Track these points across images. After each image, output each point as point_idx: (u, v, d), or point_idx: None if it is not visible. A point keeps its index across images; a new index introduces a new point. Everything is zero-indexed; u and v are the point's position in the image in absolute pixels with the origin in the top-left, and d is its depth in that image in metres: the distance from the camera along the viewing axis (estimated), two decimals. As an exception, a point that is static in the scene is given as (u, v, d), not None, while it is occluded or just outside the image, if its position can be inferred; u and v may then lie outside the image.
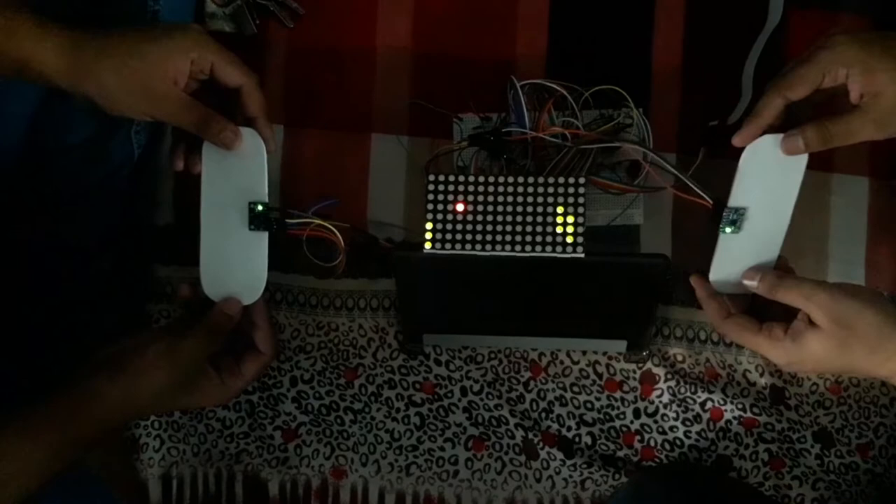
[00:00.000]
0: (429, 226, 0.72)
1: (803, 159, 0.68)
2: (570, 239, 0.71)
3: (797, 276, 0.69)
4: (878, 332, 0.64)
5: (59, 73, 0.65)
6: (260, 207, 0.72)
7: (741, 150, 0.68)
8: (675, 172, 0.73)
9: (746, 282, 0.70)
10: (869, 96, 0.64)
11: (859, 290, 0.65)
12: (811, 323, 0.65)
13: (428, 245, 0.72)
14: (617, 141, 0.79)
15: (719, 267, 0.71)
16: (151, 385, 0.68)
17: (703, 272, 0.72)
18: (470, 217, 0.72)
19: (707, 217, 0.71)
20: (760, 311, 0.70)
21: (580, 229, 0.70)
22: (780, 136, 0.67)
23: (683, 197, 0.72)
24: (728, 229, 0.70)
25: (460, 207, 0.72)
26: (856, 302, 0.64)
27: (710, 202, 0.70)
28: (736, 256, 0.71)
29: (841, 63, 0.64)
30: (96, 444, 0.67)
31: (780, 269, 0.71)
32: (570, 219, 0.71)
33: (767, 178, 0.68)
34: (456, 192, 0.72)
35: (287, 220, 0.74)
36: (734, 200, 0.69)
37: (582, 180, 0.71)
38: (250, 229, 0.72)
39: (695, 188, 0.71)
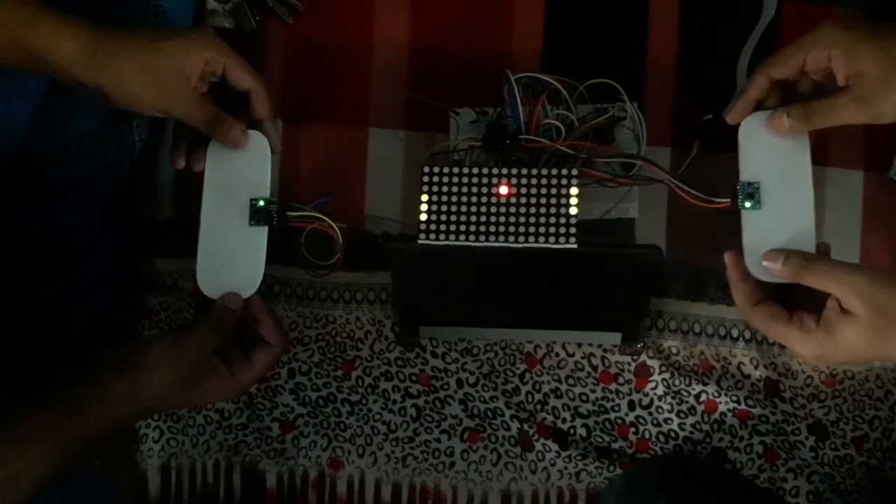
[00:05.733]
0: (423, 217, 0.73)
1: (804, 134, 0.69)
2: (562, 229, 0.71)
3: (828, 258, 0.66)
4: None
5: (76, 65, 0.67)
6: (261, 203, 0.73)
7: (736, 143, 0.70)
8: (677, 184, 0.75)
9: (768, 264, 0.66)
10: (853, 77, 0.65)
11: (894, 276, 0.62)
12: (843, 311, 0.62)
13: (422, 236, 0.73)
14: (609, 153, 0.80)
15: (752, 249, 0.68)
16: (158, 380, 0.67)
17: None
18: (464, 208, 0.72)
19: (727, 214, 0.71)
20: (782, 295, 0.67)
21: (573, 220, 0.71)
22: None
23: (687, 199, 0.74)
24: (747, 204, 0.69)
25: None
26: (894, 287, 0.61)
27: (727, 202, 0.70)
28: (767, 236, 0.68)
29: (823, 44, 0.66)
30: (101, 443, 0.66)
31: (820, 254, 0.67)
32: (563, 209, 0.71)
33: (771, 152, 0.69)
34: (451, 184, 0.73)
35: (287, 213, 0.75)
36: (744, 175, 0.70)
37: (575, 171, 0.72)
38: (251, 225, 0.74)
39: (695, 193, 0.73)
